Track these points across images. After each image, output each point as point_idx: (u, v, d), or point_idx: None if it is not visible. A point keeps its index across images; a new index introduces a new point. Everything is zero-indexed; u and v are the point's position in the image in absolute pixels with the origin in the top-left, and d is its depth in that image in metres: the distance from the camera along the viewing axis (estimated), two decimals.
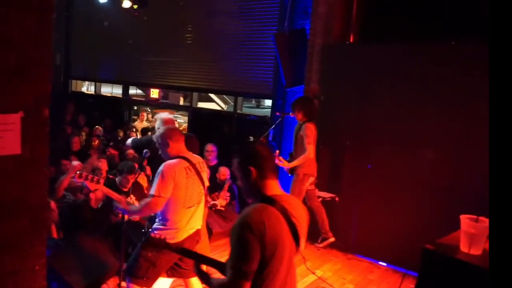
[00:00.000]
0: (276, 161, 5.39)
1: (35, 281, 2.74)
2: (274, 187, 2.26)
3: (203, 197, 3.60)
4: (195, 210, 3.50)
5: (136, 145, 4.89)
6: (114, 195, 3.83)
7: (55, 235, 4.61)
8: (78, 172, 3.81)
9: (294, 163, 5.41)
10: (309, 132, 5.33)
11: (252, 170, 2.20)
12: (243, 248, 2.01)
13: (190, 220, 3.45)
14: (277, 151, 5.57)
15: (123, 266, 3.78)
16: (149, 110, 12.67)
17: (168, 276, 3.82)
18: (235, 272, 2.02)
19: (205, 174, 3.66)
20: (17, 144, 2.50)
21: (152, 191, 3.30)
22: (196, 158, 3.59)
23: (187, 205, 3.41)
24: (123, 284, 3.61)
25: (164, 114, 4.84)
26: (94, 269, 4.07)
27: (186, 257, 3.10)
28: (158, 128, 4.62)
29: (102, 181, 3.82)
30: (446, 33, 5.13)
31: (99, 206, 4.73)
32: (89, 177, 3.75)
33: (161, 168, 3.33)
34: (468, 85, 4.78)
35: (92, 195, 4.61)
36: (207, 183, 3.70)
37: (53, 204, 4.62)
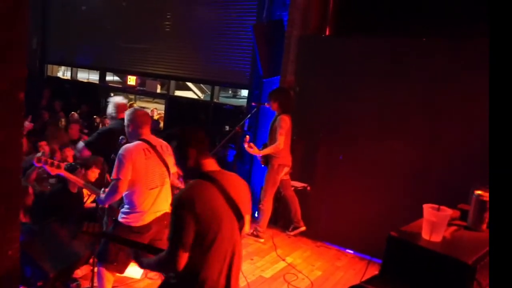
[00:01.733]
0: (246, 146, 5.48)
1: (8, 266, 2.75)
2: (211, 165, 2.44)
3: (167, 179, 3.62)
4: (159, 192, 3.53)
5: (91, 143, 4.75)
6: (74, 178, 3.98)
7: (24, 219, 4.59)
8: (36, 156, 3.81)
9: (265, 151, 5.53)
10: (284, 123, 5.42)
11: (191, 151, 2.37)
12: (178, 222, 2.21)
13: (154, 202, 3.49)
14: (247, 137, 5.63)
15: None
16: (131, 98, 12.59)
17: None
18: (172, 243, 2.22)
19: (170, 158, 3.64)
20: None
21: (112, 174, 3.40)
22: (158, 141, 3.63)
23: (149, 186, 3.45)
24: (96, 270, 3.65)
25: (117, 98, 4.95)
26: (68, 255, 4.08)
27: (123, 245, 3.18)
28: (111, 113, 4.73)
29: (62, 165, 3.83)
30: (422, 27, 5.25)
31: (77, 191, 4.71)
32: (48, 162, 3.75)
33: (119, 151, 3.42)
34: (438, 77, 4.96)
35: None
36: (173, 169, 3.72)
37: (30, 190, 4.60)
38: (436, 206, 2.42)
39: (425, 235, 2.40)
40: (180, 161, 2.46)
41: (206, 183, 2.31)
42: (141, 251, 2.63)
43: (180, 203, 2.23)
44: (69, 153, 6.06)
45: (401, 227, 2.59)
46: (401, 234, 2.47)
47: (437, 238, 2.37)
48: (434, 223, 2.35)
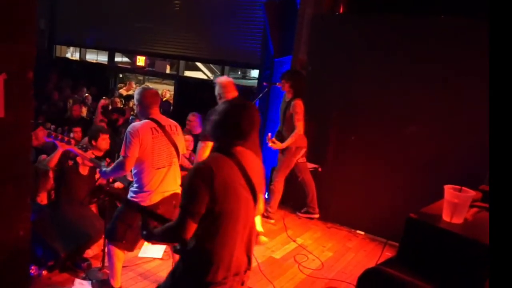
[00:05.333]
0: (270, 144, 5.40)
1: (19, 246, 2.73)
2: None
3: (176, 160, 3.58)
4: (167, 172, 3.50)
5: None
6: (84, 154, 3.99)
7: (45, 201, 4.59)
8: (48, 131, 3.80)
9: (287, 142, 5.39)
10: (299, 109, 5.32)
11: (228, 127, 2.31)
12: (191, 190, 2.18)
13: (162, 182, 3.46)
14: (270, 134, 5.53)
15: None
16: (140, 79, 12.54)
17: (152, 242, 3.87)
18: (183, 211, 2.18)
19: (180, 139, 3.65)
20: (0, 107, 2.45)
21: (120, 151, 3.39)
22: (167, 121, 3.60)
23: (155, 166, 3.43)
24: (107, 249, 3.65)
25: (223, 78, 4.69)
26: (78, 235, 4.08)
27: (137, 212, 3.15)
28: (218, 94, 4.52)
29: (73, 141, 3.82)
30: (438, 7, 5.10)
31: (88, 173, 4.69)
32: (59, 137, 3.74)
33: (127, 129, 3.41)
34: (455, 62, 4.82)
35: (79, 160, 4.57)
36: (183, 150, 3.70)
37: (51, 173, 4.58)
38: (458, 187, 2.35)
39: (445, 217, 2.33)
40: (216, 132, 2.39)
41: (226, 158, 2.27)
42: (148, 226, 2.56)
43: (198, 172, 2.19)
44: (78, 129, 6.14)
45: (418, 209, 2.53)
46: (420, 216, 2.41)
47: (458, 220, 2.30)
48: (456, 205, 2.28)
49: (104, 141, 4.62)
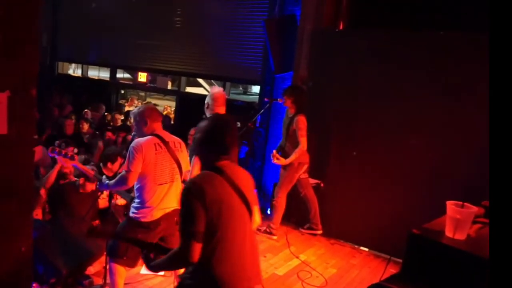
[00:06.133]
0: (274, 160, 5.41)
1: (21, 263, 2.72)
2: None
3: (178, 176, 3.59)
4: (169, 188, 3.50)
5: None
6: (88, 170, 3.94)
7: (40, 216, 4.58)
8: (51, 147, 3.80)
9: (291, 158, 5.39)
10: (302, 125, 5.34)
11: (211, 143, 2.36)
12: (188, 211, 2.17)
13: (164, 198, 3.46)
14: (274, 151, 5.54)
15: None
16: (142, 95, 12.59)
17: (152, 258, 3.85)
18: (184, 234, 2.16)
19: (183, 155, 3.66)
20: (3, 124, 2.46)
21: (123, 166, 3.41)
22: (171, 137, 3.61)
23: (158, 181, 3.43)
24: (108, 266, 3.64)
25: (217, 89, 4.64)
26: (80, 252, 4.06)
27: (134, 245, 3.15)
28: (207, 103, 4.51)
29: (76, 157, 3.80)
30: (436, 22, 5.15)
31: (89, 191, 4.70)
32: (62, 152, 3.73)
33: (131, 144, 3.43)
34: (455, 75, 4.84)
35: (81, 180, 4.58)
36: (186, 167, 3.70)
37: (43, 191, 4.57)
38: (460, 203, 2.34)
39: (448, 232, 2.33)
40: (201, 151, 2.44)
41: (215, 175, 2.28)
42: (151, 252, 2.55)
43: (190, 192, 2.19)
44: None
45: (421, 224, 2.52)
46: (423, 231, 2.40)
47: (461, 236, 2.29)
48: (459, 221, 2.27)
49: (119, 165, 4.64)
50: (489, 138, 1.78)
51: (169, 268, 2.60)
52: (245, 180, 2.42)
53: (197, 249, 2.14)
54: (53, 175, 4.55)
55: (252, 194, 2.42)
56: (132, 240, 2.85)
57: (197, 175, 2.39)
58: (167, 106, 11.96)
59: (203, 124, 2.45)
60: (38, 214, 4.55)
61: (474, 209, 2.37)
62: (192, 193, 2.17)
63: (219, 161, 2.34)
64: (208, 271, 2.18)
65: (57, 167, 4.57)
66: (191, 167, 4.34)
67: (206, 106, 4.52)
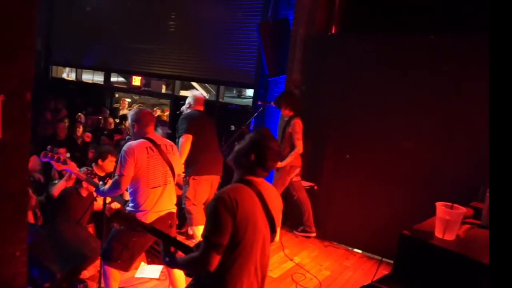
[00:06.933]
0: None
1: (16, 267, 2.73)
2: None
3: (171, 179, 3.61)
4: (162, 191, 3.52)
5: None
6: (80, 174, 3.96)
7: (31, 220, 4.58)
8: (43, 152, 3.80)
9: (287, 161, 5.46)
10: (298, 128, 5.41)
11: (252, 157, 2.29)
12: (216, 220, 2.13)
13: (157, 201, 3.48)
14: None
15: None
16: (133, 97, 12.58)
17: (148, 262, 3.88)
18: (207, 242, 2.13)
19: (176, 158, 3.69)
20: None
21: (116, 171, 3.42)
22: (163, 141, 3.65)
23: (151, 185, 3.45)
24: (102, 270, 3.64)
25: (198, 93, 5.41)
26: (75, 256, 4.06)
27: (155, 236, 3.11)
28: (189, 103, 5.18)
29: (69, 161, 3.81)
30: (428, 26, 5.20)
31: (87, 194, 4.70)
32: (55, 157, 3.73)
33: (123, 148, 3.44)
34: (450, 78, 4.88)
35: (84, 183, 4.58)
36: (179, 170, 3.71)
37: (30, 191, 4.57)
38: (449, 204, 2.38)
39: (438, 233, 2.37)
40: (238, 160, 2.36)
41: (247, 188, 2.25)
42: (171, 246, 2.52)
43: (223, 202, 2.14)
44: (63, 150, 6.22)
45: (413, 226, 2.56)
46: (413, 232, 2.44)
47: (450, 236, 2.33)
48: (448, 222, 2.31)
49: (110, 163, 4.62)
50: (489, 138, 1.80)
51: (183, 269, 2.55)
52: (276, 200, 2.39)
53: (216, 260, 2.13)
54: (63, 184, 4.57)
55: (279, 216, 2.40)
56: (154, 231, 2.81)
57: (230, 187, 2.28)
58: (156, 109, 11.96)
59: (250, 136, 2.39)
60: (29, 218, 4.54)
61: (463, 210, 2.41)
62: (226, 206, 2.12)
63: (256, 177, 2.31)
64: (219, 280, 2.19)
65: (66, 178, 4.60)
66: (181, 147, 4.72)
67: (188, 106, 5.18)
